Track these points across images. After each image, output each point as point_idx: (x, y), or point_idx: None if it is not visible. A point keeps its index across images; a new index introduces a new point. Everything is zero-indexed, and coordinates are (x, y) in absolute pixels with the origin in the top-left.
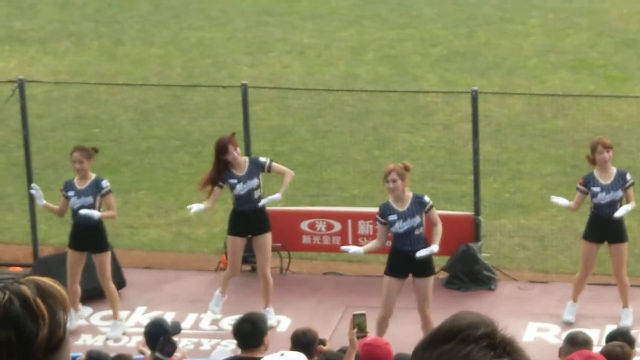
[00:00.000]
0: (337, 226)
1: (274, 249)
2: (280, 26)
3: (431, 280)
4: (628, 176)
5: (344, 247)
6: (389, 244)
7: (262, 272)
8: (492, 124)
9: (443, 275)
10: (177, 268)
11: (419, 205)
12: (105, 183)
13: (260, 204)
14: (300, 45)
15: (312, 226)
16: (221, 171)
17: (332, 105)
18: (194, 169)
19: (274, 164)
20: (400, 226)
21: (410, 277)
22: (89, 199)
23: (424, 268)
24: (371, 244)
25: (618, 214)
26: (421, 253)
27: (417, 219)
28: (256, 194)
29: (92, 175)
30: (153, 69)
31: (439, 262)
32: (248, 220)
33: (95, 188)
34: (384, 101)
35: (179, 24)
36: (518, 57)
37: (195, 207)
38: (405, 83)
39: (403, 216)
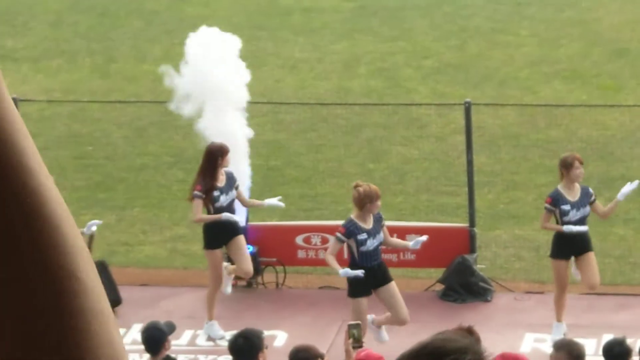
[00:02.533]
0: (333, 240)
1: (269, 264)
2: (272, 41)
3: (394, 284)
4: (591, 190)
5: (342, 273)
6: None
7: (248, 270)
8: (485, 135)
9: (439, 287)
10: (173, 284)
11: (378, 221)
12: None
13: (266, 204)
14: (292, 60)
15: (307, 240)
16: (216, 177)
17: (325, 119)
18: (188, 185)
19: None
20: (371, 244)
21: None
22: None
23: (384, 277)
24: (335, 262)
25: (622, 195)
26: (414, 243)
27: (381, 234)
28: (233, 206)
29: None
30: (146, 86)
31: (435, 275)
32: (226, 231)
33: None
34: (377, 114)
35: (171, 40)
36: (510, 68)
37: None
38: (398, 96)
39: (372, 233)
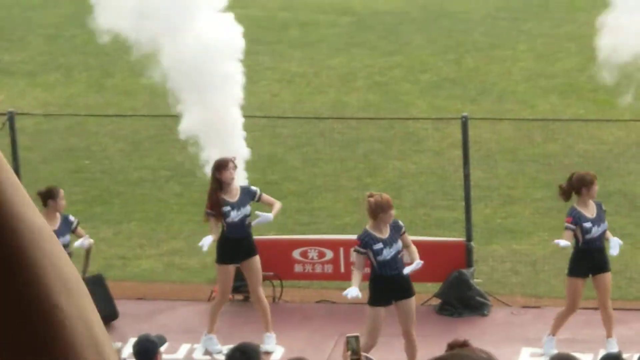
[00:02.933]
0: (329, 254)
1: (266, 278)
2: (269, 55)
3: (414, 300)
4: (603, 206)
5: (344, 293)
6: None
7: (256, 296)
8: (482, 149)
9: (435, 301)
10: (170, 298)
11: (396, 229)
12: (71, 218)
13: (253, 223)
14: (289, 74)
15: (304, 254)
16: (219, 191)
17: (322, 133)
18: (185, 199)
19: (264, 195)
20: (388, 253)
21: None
22: (66, 239)
23: (407, 289)
24: (357, 277)
25: (615, 250)
26: (408, 269)
27: (400, 243)
28: (247, 221)
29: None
30: (142, 100)
31: (432, 289)
32: (239, 247)
33: (66, 226)
34: (373, 128)
35: None
36: (507, 83)
37: (206, 241)
38: (395, 110)
39: (388, 243)
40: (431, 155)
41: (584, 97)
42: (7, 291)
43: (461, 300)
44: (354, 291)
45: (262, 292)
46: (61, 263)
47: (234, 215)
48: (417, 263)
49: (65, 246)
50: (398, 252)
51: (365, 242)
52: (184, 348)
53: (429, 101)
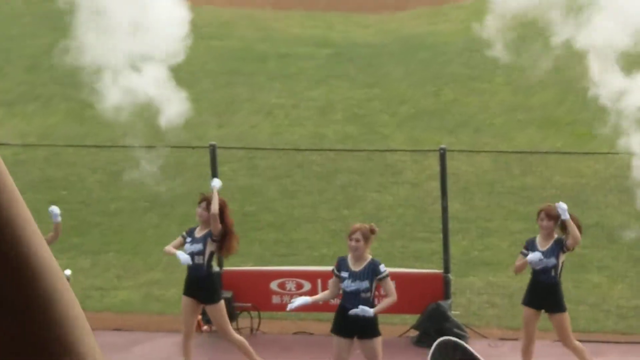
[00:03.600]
0: (307, 285)
1: (244, 309)
2: (248, 86)
3: (376, 341)
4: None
5: (289, 306)
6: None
7: (228, 338)
8: (460, 181)
9: (413, 333)
10: (148, 329)
11: (372, 271)
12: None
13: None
14: (268, 105)
15: (282, 286)
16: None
17: (300, 165)
18: (163, 230)
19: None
20: (348, 285)
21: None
22: None
23: (367, 329)
24: (322, 295)
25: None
26: (354, 311)
27: (366, 284)
28: (197, 259)
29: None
30: (121, 131)
31: (409, 321)
32: (197, 285)
33: None
34: (352, 160)
35: None
36: (485, 115)
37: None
38: (374, 142)
39: (354, 276)
40: (409, 187)
41: (562, 129)
42: (29, 333)
43: (439, 332)
44: (301, 299)
45: (232, 331)
46: (70, 301)
47: (187, 248)
48: (364, 309)
49: None
50: (359, 291)
51: (339, 265)
52: None
53: (407, 133)
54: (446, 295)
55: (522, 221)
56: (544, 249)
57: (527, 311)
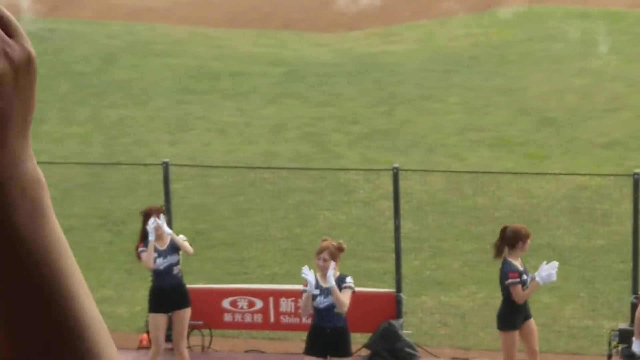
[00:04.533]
0: (259, 304)
1: (195, 327)
2: (201, 104)
3: None
4: None
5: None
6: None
7: (177, 349)
8: (412, 201)
9: (365, 352)
10: None
11: (340, 283)
12: None
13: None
14: (220, 124)
15: (233, 304)
16: (143, 237)
17: (252, 183)
18: (115, 247)
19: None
20: (321, 301)
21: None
22: None
23: (341, 347)
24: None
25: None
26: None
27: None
28: (175, 270)
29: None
30: (73, 148)
31: (361, 340)
32: (167, 296)
33: None
34: (304, 179)
35: (99, 102)
36: (438, 135)
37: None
38: (326, 161)
39: (325, 293)
40: (361, 206)
41: (514, 150)
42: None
43: (390, 351)
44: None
45: (184, 347)
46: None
47: (159, 263)
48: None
49: None
50: (333, 305)
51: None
52: None
53: (360, 152)
54: (398, 314)
55: (474, 241)
56: (523, 268)
57: (514, 334)
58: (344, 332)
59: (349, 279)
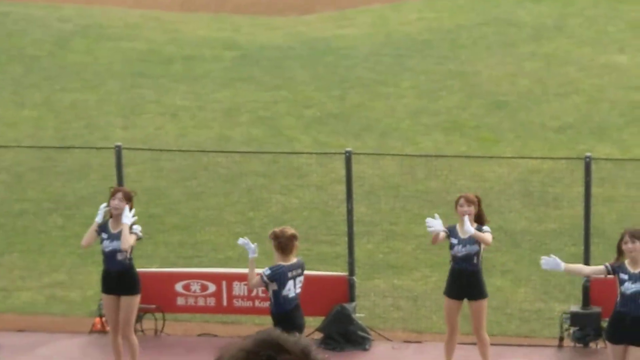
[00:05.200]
0: (212, 287)
1: (148, 311)
2: (153, 88)
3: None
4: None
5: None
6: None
7: (124, 335)
8: (365, 185)
9: (318, 335)
10: (51, 331)
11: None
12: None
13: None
14: (173, 107)
15: (186, 287)
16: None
17: (206, 167)
18: (68, 231)
19: (134, 235)
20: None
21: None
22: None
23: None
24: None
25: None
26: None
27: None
28: (119, 256)
29: None
30: (26, 131)
31: (314, 323)
32: (114, 280)
33: None
34: (257, 163)
35: (51, 86)
36: (391, 119)
37: (101, 210)
38: (279, 145)
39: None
40: (314, 190)
41: (467, 134)
42: None
43: (343, 334)
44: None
45: (132, 332)
46: None
47: (106, 245)
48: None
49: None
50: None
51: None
52: None
53: (313, 136)
54: (351, 297)
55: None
56: (465, 236)
57: (449, 302)
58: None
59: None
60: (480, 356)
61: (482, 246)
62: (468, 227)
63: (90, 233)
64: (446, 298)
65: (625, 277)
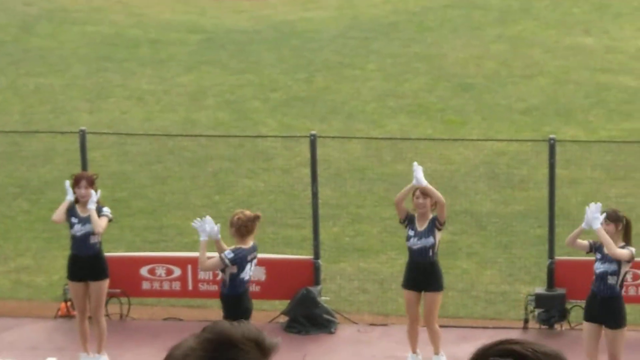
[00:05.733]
0: (177, 271)
1: (114, 295)
2: (119, 72)
3: None
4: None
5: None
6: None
7: (94, 319)
8: (331, 168)
9: (283, 319)
10: (17, 315)
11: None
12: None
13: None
14: (139, 91)
15: (152, 272)
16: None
17: (171, 151)
18: (33, 216)
19: (105, 218)
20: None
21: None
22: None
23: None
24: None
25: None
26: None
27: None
28: (92, 240)
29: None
30: None
31: (279, 307)
32: (84, 265)
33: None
34: (223, 146)
35: (16, 71)
36: (357, 102)
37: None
38: (245, 128)
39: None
40: (280, 173)
41: (433, 116)
42: None
43: (308, 317)
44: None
45: (102, 316)
46: None
47: (77, 229)
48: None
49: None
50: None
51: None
52: None
53: (279, 119)
54: (316, 281)
55: (393, 207)
56: (422, 229)
57: (407, 294)
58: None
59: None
60: (431, 344)
61: (438, 239)
62: (419, 177)
63: (61, 209)
64: (405, 290)
65: (599, 256)
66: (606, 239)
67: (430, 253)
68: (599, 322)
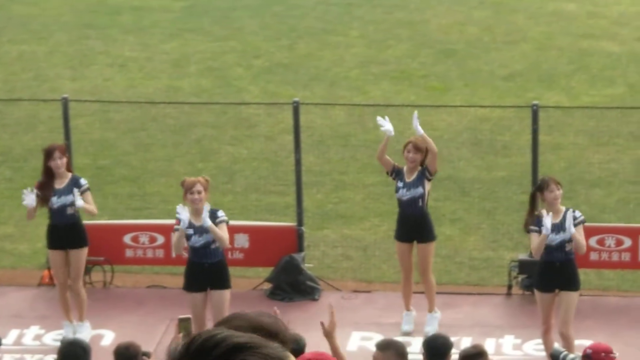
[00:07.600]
0: (161, 239)
1: (97, 263)
2: (101, 39)
3: (227, 293)
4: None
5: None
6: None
7: (74, 287)
8: (314, 135)
9: (267, 286)
10: None
11: (212, 218)
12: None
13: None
14: (122, 58)
15: (135, 239)
16: (47, 178)
17: (154, 118)
18: (16, 184)
19: (88, 193)
20: (197, 240)
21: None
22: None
23: (220, 281)
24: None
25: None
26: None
27: (211, 235)
28: (69, 210)
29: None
30: None
31: (263, 274)
32: (61, 234)
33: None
34: (206, 113)
35: None
36: (340, 69)
37: (29, 199)
38: (228, 95)
39: (199, 231)
40: (263, 140)
41: (415, 83)
42: None
43: (292, 284)
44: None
45: (81, 285)
46: None
47: (54, 202)
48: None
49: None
50: (209, 243)
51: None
52: (14, 333)
53: (262, 86)
54: (300, 248)
55: (376, 174)
56: (410, 180)
57: (399, 245)
58: (220, 264)
59: (220, 213)
60: (426, 299)
61: (427, 189)
62: (416, 125)
63: (30, 212)
64: (397, 242)
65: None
66: (580, 242)
67: (420, 203)
68: (559, 289)
